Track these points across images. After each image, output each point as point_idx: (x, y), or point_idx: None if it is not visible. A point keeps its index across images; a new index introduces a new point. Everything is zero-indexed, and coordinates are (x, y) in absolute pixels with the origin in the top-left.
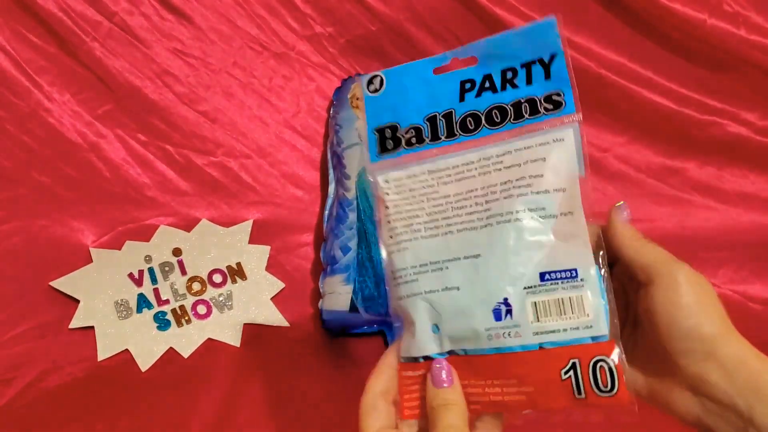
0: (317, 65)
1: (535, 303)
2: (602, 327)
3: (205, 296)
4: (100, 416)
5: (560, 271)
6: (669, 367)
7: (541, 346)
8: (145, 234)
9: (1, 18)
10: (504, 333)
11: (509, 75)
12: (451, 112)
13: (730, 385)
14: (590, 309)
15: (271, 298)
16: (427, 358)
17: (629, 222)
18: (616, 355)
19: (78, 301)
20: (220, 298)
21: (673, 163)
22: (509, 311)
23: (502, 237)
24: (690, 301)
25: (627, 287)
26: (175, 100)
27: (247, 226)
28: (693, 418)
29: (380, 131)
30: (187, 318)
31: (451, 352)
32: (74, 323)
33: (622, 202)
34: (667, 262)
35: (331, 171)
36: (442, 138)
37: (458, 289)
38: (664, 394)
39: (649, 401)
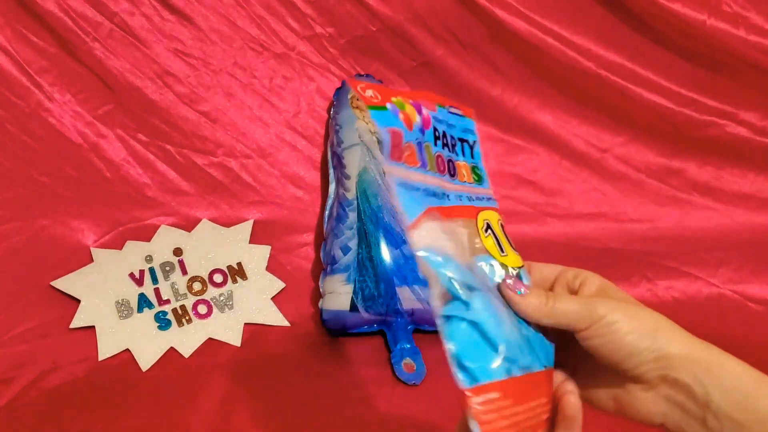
0: (317, 66)
1: None
2: (459, 376)
3: (206, 296)
4: (101, 416)
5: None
6: (630, 377)
7: None
8: (145, 234)
9: (2, 18)
10: None
11: None
12: None
13: (686, 374)
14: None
15: (272, 298)
16: None
17: (524, 290)
18: (474, 406)
19: (79, 301)
20: (221, 298)
21: (672, 163)
22: None
23: None
24: (620, 327)
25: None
26: (175, 101)
27: (247, 226)
28: (660, 417)
29: None
30: (187, 318)
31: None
32: (75, 323)
33: (506, 279)
34: (583, 309)
35: (331, 171)
36: None
37: None
38: (629, 400)
39: (617, 412)
